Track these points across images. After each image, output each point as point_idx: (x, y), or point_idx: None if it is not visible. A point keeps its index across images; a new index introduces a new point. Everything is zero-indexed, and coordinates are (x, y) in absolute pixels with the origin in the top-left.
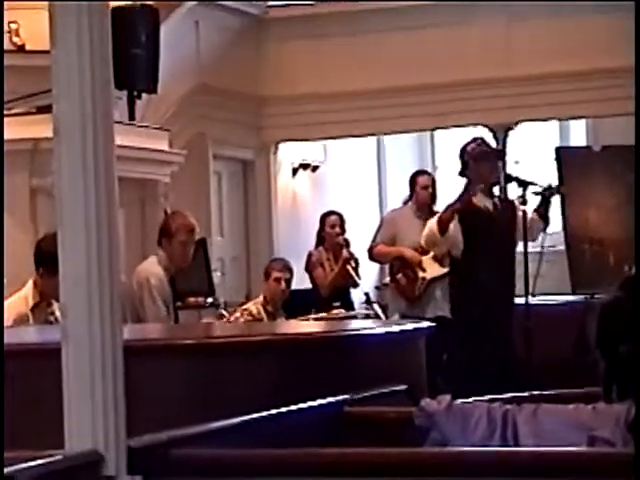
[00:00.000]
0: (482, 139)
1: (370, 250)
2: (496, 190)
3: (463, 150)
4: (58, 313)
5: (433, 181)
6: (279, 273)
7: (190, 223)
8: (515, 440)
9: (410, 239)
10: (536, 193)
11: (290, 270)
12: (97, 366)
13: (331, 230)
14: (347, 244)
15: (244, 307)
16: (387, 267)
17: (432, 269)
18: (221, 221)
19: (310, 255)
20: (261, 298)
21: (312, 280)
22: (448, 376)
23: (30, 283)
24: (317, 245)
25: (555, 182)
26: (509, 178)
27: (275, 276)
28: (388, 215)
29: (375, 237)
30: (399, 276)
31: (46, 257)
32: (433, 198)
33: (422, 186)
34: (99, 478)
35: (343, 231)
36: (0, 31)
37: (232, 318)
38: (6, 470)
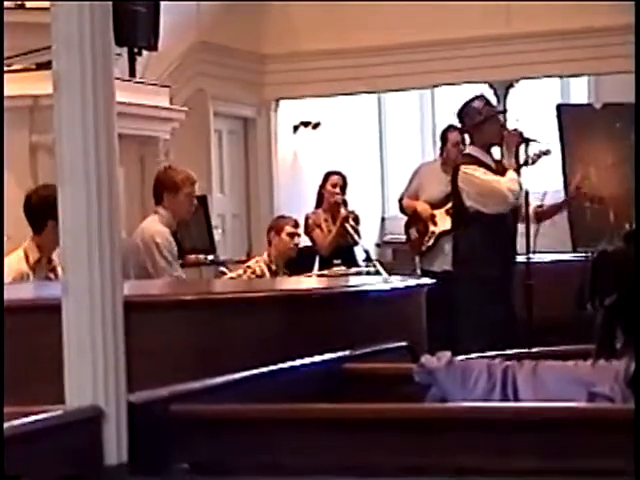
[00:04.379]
0: (485, 97)
1: (399, 202)
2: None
3: (467, 108)
4: (60, 269)
5: (463, 138)
6: (292, 228)
7: (191, 175)
8: (515, 396)
9: (430, 192)
10: (528, 160)
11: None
12: (97, 322)
13: (331, 189)
14: (345, 204)
15: (247, 264)
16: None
17: (444, 223)
18: (222, 178)
19: (307, 218)
20: (265, 256)
21: (312, 241)
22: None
23: (28, 240)
24: (317, 202)
25: (553, 141)
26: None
27: (289, 231)
28: (417, 168)
29: (404, 191)
30: (411, 230)
31: (30, 214)
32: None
33: (453, 143)
34: (99, 433)
35: (344, 193)
36: None
37: (234, 275)
38: (8, 425)
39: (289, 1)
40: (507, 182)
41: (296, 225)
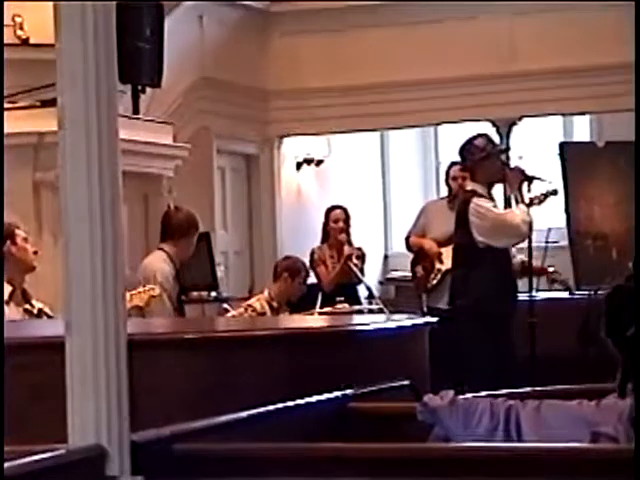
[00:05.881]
0: (487, 136)
1: (406, 241)
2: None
3: (469, 146)
4: (40, 305)
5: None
6: (306, 277)
7: (197, 219)
8: (518, 435)
9: (439, 230)
10: (535, 200)
11: None
12: (101, 360)
13: (334, 225)
14: (349, 241)
15: (248, 303)
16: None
17: (450, 261)
18: (225, 215)
19: (312, 253)
20: (266, 294)
21: (316, 276)
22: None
23: None
24: (323, 239)
25: (557, 180)
26: None
27: (302, 279)
28: (423, 206)
29: (410, 229)
30: (417, 268)
31: None
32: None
33: (452, 177)
34: (102, 472)
35: (347, 226)
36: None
37: (236, 313)
38: (10, 464)
39: (293, 39)
40: (521, 214)
41: (307, 274)
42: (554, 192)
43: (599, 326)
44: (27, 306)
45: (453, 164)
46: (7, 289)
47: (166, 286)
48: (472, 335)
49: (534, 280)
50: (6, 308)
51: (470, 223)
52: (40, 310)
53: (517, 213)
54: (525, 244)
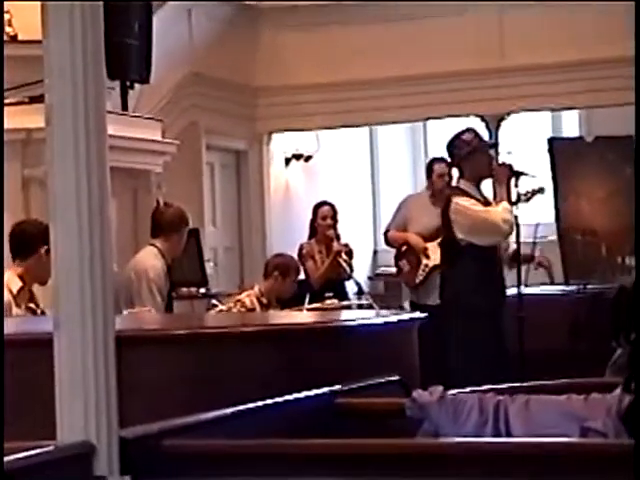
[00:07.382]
0: (474, 130)
1: (384, 235)
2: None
3: (457, 141)
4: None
5: (450, 170)
6: (297, 275)
7: (187, 215)
8: (507, 431)
9: (422, 224)
10: (522, 197)
11: None
12: (89, 356)
13: (322, 222)
14: (337, 237)
15: (237, 298)
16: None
17: (437, 256)
18: (214, 211)
19: (301, 247)
20: (256, 289)
21: (305, 272)
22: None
23: (9, 273)
24: (310, 236)
25: (545, 176)
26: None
27: (294, 278)
28: (403, 200)
29: (390, 222)
30: (402, 262)
31: (18, 242)
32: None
33: (438, 174)
34: (91, 469)
35: (335, 222)
36: (0, 25)
37: (224, 308)
38: None
39: (282, 35)
40: (501, 212)
41: (299, 273)
42: (541, 190)
43: (589, 321)
44: (31, 304)
45: (435, 160)
46: (17, 284)
47: (158, 282)
48: (458, 331)
49: (522, 273)
50: (13, 305)
51: (451, 221)
52: (42, 311)
53: (498, 211)
54: (514, 239)
